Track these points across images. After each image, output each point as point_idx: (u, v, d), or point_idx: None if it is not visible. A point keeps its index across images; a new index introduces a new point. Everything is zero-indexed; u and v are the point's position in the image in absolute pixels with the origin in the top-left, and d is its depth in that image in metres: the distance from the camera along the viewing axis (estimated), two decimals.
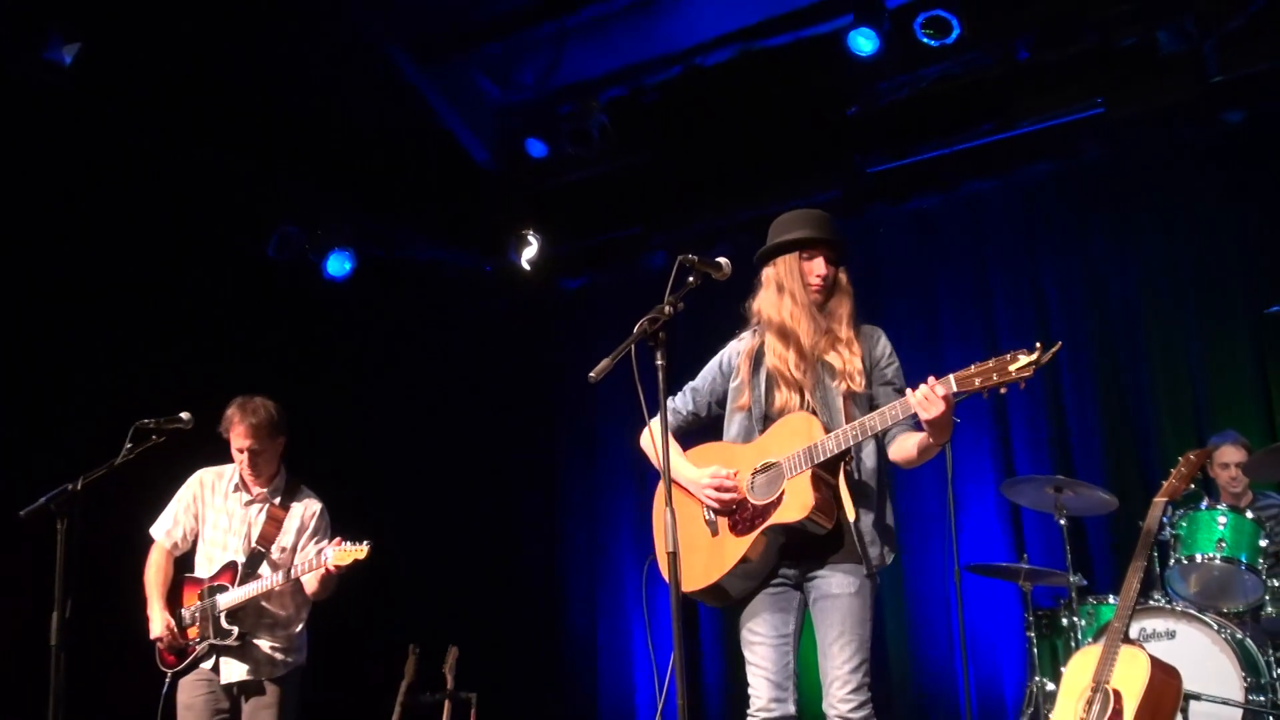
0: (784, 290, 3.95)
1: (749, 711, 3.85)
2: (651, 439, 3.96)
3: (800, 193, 8.09)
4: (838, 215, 8.09)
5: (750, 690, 3.85)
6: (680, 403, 4.13)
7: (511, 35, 7.87)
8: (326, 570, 4.89)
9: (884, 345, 4.01)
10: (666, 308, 3.66)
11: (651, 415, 3.86)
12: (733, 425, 4.03)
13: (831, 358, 3.89)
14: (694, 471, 3.89)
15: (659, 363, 3.70)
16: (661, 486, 3.98)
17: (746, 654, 3.89)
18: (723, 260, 3.84)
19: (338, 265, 8.17)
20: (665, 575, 3.90)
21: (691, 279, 3.75)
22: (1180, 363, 7.55)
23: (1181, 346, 7.56)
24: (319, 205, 8.03)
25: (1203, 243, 7.55)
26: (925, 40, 7.06)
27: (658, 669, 7.65)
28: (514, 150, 8.31)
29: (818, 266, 3.94)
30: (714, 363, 4.13)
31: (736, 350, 4.10)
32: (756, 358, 4.00)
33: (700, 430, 4.08)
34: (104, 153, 6.84)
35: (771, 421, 3.91)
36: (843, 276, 4.02)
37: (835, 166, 8.18)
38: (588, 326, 8.93)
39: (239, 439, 5.09)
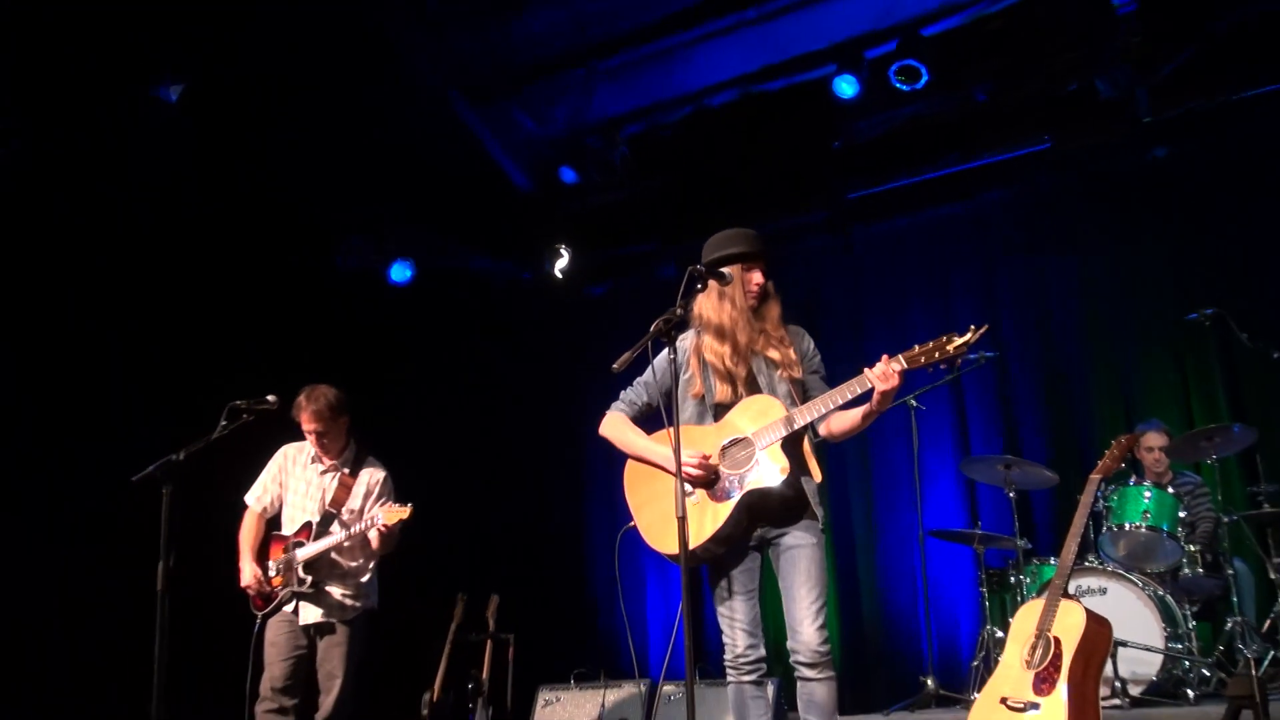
0: (725, 296, 3.93)
1: (727, 659, 3.85)
2: (616, 427, 4.14)
3: (792, 214, 8.17)
4: (822, 234, 8.29)
5: (726, 640, 3.85)
6: (634, 395, 4.10)
7: (547, 79, 7.92)
8: (379, 528, 4.98)
9: (809, 342, 4.03)
10: (678, 310, 3.74)
11: (642, 408, 4.02)
12: (685, 410, 3.99)
13: (770, 352, 3.90)
14: (665, 449, 3.76)
15: (671, 356, 3.79)
16: (633, 465, 4.08)
17: (721, 609, 3.88)
18: (726, 270, 3.91)
19: (400, 272, 8.23)
20: (649, 543, 3.98)
21: (698, 286, 3.82)
22: (1113, 361, 7.57)
23: (1114, 347, 7.58)
24: (385, 221, 8.10)
25: (1134, 259, 7.55)
26: (898, 85, 7.08)
27: (647, 620, 7.69)
28: (549, 177, 8.37)
29: (756, 276, 3.94)
30: (660, 359, 4.01)
31: (684, 348, 4.05)
32: (699, 355, 4.00)
33: (652, 416, 4.05)
34: (208, 176, 6.91)
35: (717, 408, 3.93)
36: (770, 285, 3.99)
37: (821, 192, 8.17)
38: (609, 326, 8.94)
39: (306, 423, 5.19)
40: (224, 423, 4.89)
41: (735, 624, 3.86)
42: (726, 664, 3.87)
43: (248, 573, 5.20)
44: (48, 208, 6.48)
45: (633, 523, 4.08)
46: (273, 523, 5.39)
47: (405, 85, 7.55)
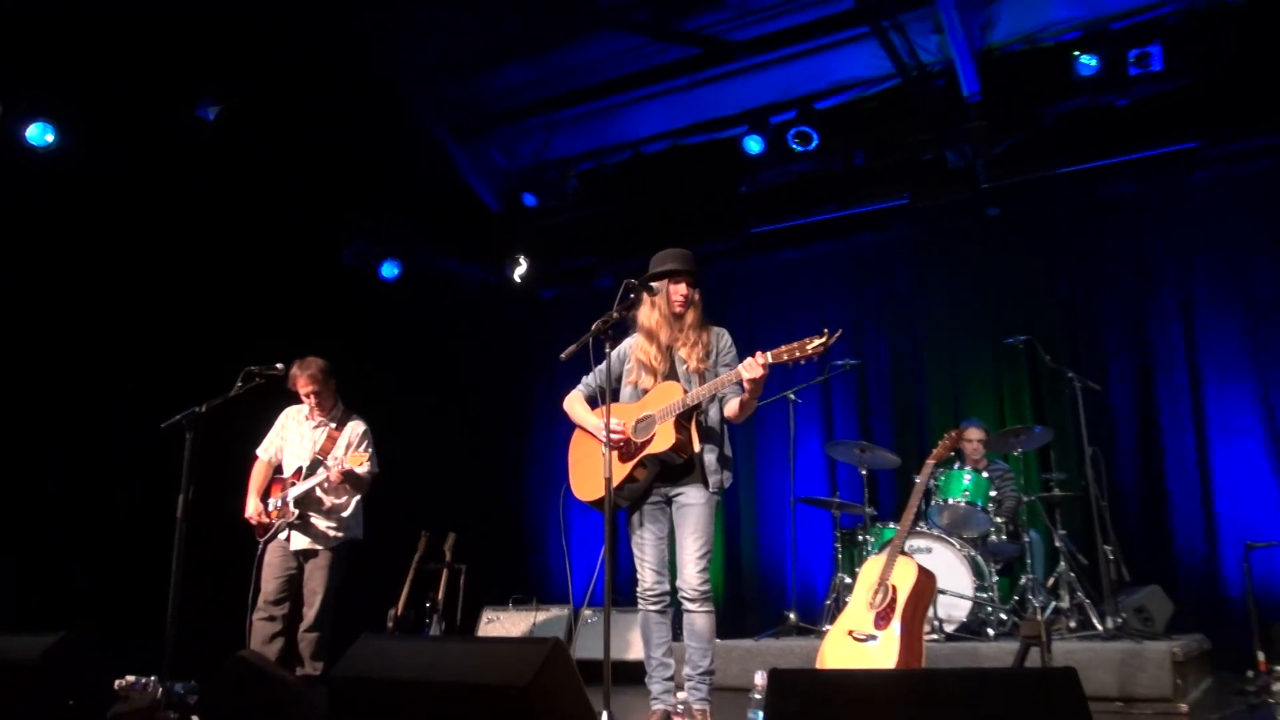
0: (655, 306, 3.95)
1: (638, 591, 3.87)
2: (575, 406, 4.12)
3: (706, 243, 8.16)
4: (730, 260, 8.32)
5: (639, 576, 3.88)
6: (591, 379, 4.11)
7: (516, 123, 7.89)
8: (352, 471, 4.94)
9: (727, 341, 4.03)
10: (614, 314, 3.76)
11: (596, 389, 3.98)
12: (624, 394, 4.03)
13: (683, 351, 3.92)
14: (597, 420, 3.87)
15: (606, 349, 3.80)
16: (579, 434, 4.09)
17: (636, 551, 3.90)
18: (655, 284, 3.92)
19: (389, 270, 8.13)
20: (575, 493, 4.01)
21: (631, 295, 3.83)
22: (946, 372, 7.63)
23: (948, 361, 7.63)
24: (380, 229, 8.01)
25: (967, 294, 7.62)
26: (794, 146, 7.12)
27: (582, 558, 7.76)
28: (513, 200, 8.30)
29: (681, 289, 3.95)
30: (617, 351, 4.06)
31: (629, 345, 4.09)
32: (635, 352, 4.03)
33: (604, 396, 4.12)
34: (237, 186, 6.78)
35: (644, 393, 3.95)
36: (696, 295, 3.99)
37: (730, 227, 8.17)
38: (557, 323, 8.91)
39: (303, 386, 5.17)
40: (240, 384, 4.85)
41: (645, 563, 3.87)
42: (637, 595, 3.88)
43: (250, 506, 5.18)
44: (115, 203, 6.34)
45: (569, 482, 4.07)
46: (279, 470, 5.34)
47: (404, 120, 7.48)
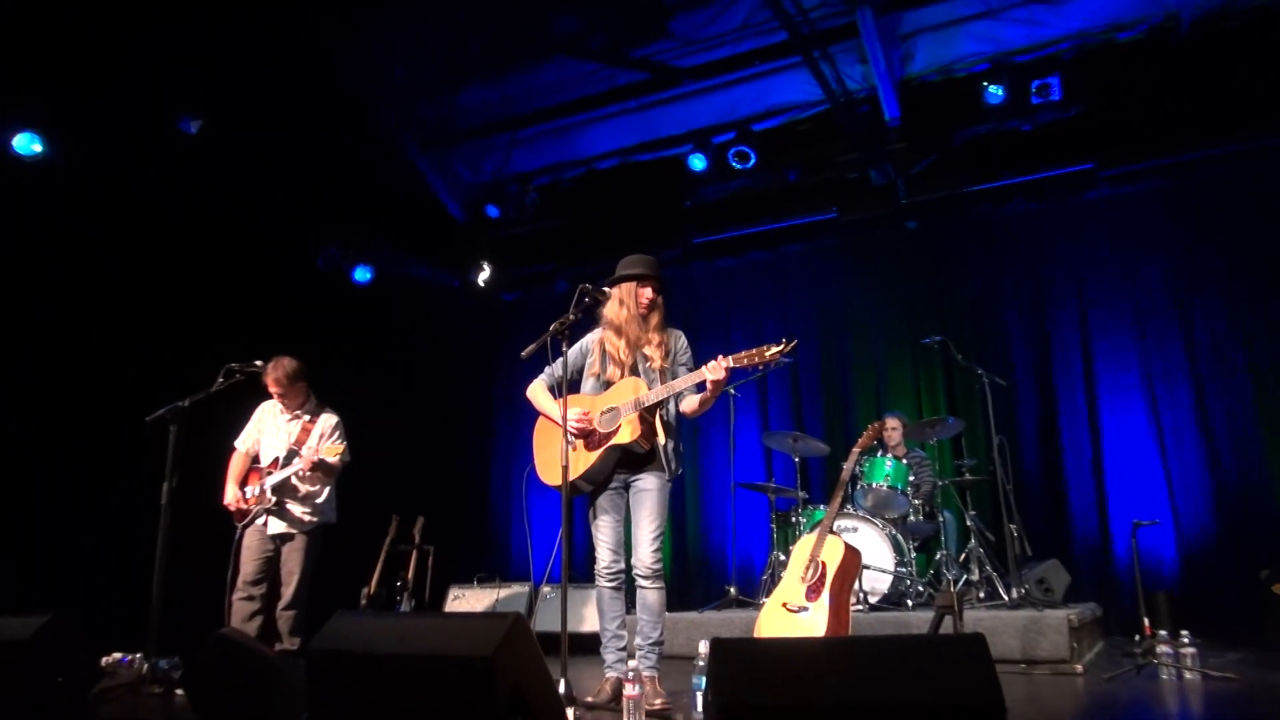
0: (624, 304, 3.94)
1: (597, 569, 3.86)
2: (538, 394, 4.06)
3: (653, 251, 8.12)
4: (674, 267, 8.35)
5: (597, 555, 3.87)
6: (554, 370, 4.04)
7: (480, 140, 7.83)
8: (323, 460, 4.87)
9: (683, 342, 4.02)
10: (570, 315, 3.75)
11: (558, 380, 3.94)
12: (586, 385, 4.01)
13: (648, 350, 3.91)
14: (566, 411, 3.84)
15: (564, 348, 3.78)
16: (543, 421, 4.07)
17: (595, 533, 3.88)
18: (607, 289, 3.92)
19: (362, 274, 8.02)
20: (540, 477, 3.98)
21: (586, 299, 3.82)
22: (870, 368, 7.70)
23: (872, 359, 7.71)
24: (354, 237, 7.90)
25: (889, 298, 7.69)
26: (734, 164, 7.16)
27: (542, 539, 7.70)
28: (478, 211, 8.23)
29: (648, 292, 3.94)
30: (576, 348, 4.05)
31: (591, 340, 4.06)
32: (601, 345, 4.01)
33: (569, 385, 4.08)
34: (217, 196, 6.65)
35: (607, 384, 3.93)
36: (659, 299, 3.99)
37: (675, 236, 8.19)
38: (517, 324, 8.87)
39: (271, 385, 5.08)
40: (221, 380, 4.79)
41: (603, 543, 3.86)
42: (595, 573, 3.87)
43: (229, 494, 5.08)
44: (102, 210, 6.19)
45: (532, 464, 4.04)
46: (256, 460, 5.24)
47: (375, 136, 7.39)
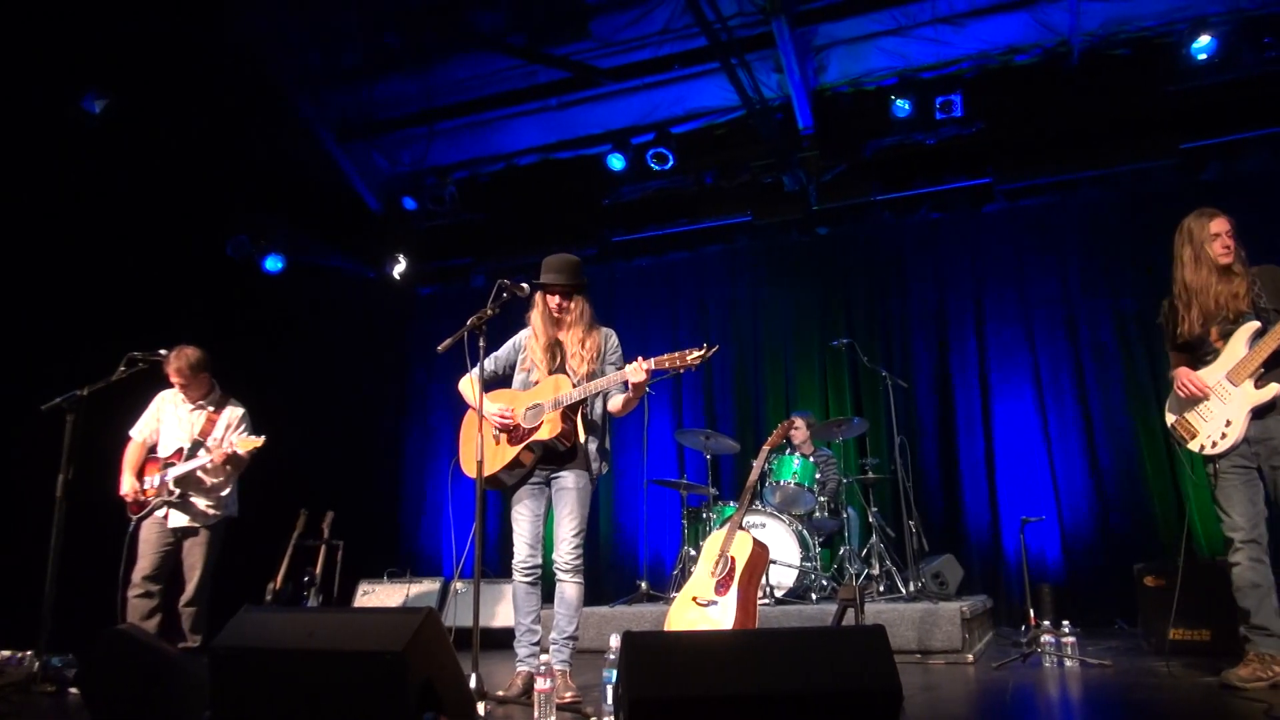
0: (537, 309, 3.95)
1: (514, 563, 3.84)
2: (470, 387, 4.00)
3: (571, 249, 8.11)
4: (592, 265, 8.34)
5: (515, 550, 3.84)
6: (487, 364, 4.04)
7: (399, 131, 7.69)
8: (235, 453, 4.73)
9: (614, 342, 4.03)
10: (488, 310, 3.72)
11: (487, 376, 3.91)
12: (516, 380, 4.00)
13: (572, 350, 3.91)
14: (491, 406, 3.84)
15: (481, 343, 3.75)
16: (471, 414, 4.03)
17: (514, 526, 3.87)
18: (525, 284, 3.90)
19: (273, 263, 7.77)
20: (462, 469, 3.94)
21: (504, 295, 3.79)
22: (780, 369, 7.80)
23: (781, 359, 7.81)
24: (265, 225, 7.65)
25: (799, 301, 7.81)
26: (652, 165, 7.21)
27: (457, 533, 7.62)
28: (394, 203, 8.11)
29: (554, 299, 3.91)
30: (510, 343, 4.07)
31: (522, 338, 4.06)
32: (529, 345, 4.01)
33: (498, 381, 4.05)
34: (123, 177, 6.35)
35: (533, 383, 3.93)
36: (574, 304, 3.94)
37: (593, 235, 8.20)
38: (432, 318, 8.76)
39: (172, 375, 4.91)
40: (122, 368, 4.61)
41: (521, 538, 3.85)
42: (513, 567, 3.85)
43: (126, 484, 4.87)
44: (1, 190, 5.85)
45: (457, 457, 3.99)
46: (154, 451, 5.03)
47: (290, 122, 7.19)
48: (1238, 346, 3.63)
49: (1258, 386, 3.58)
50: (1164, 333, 3.92)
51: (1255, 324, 3.61)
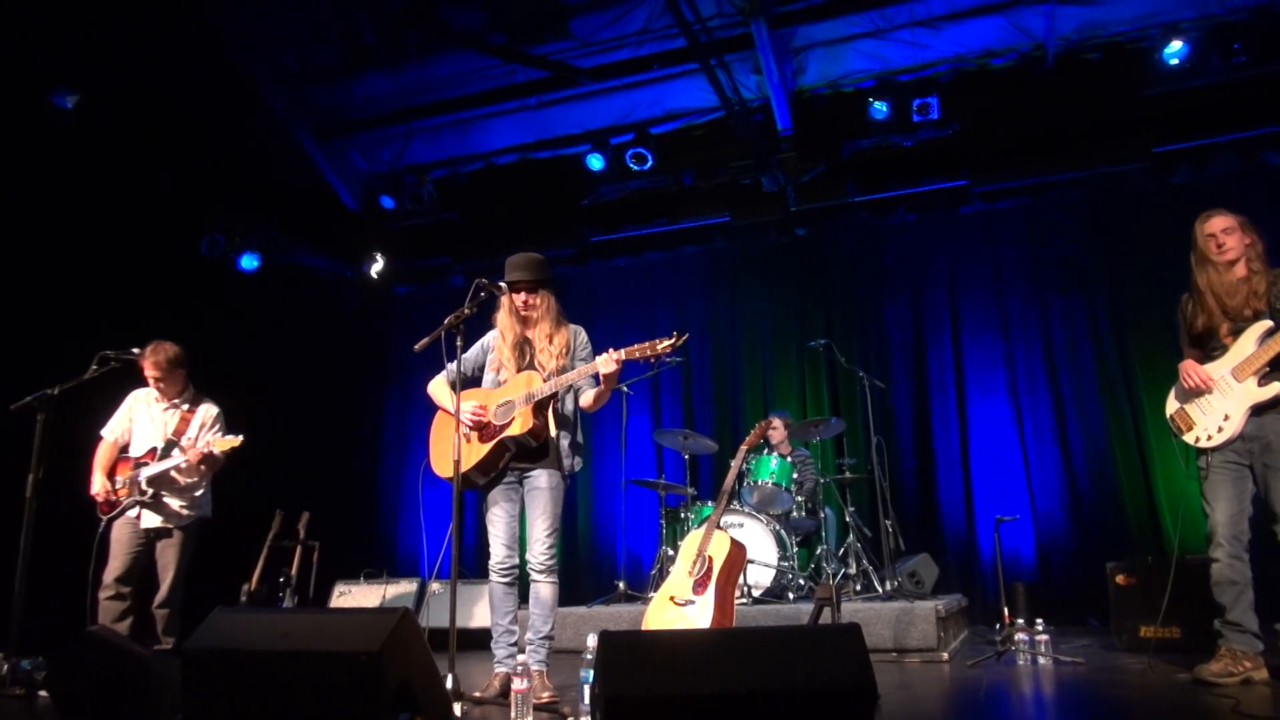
0: (504, 308, 3.94)
1: (490, 564, 3.82)
2: (439, 389, 4.02)
3: (550, 248, 8.13)
4: (571, 265, 8.34)
5: (491, 550, 3.83)
6: (456, 365, 4.06)
7: (377, 130, 7.65)
8: (210, 453, 4.68)
9: (584, 338, 4.02)
10: (465, 310, 3.70)
11: (450, 375, 3.88)
12: (486, 380, 3.99)
13: (540, 346, 3.90)
14: (464, 405, 3.81)
15: (458, 342, 3.74)
16: (441, 415, 4.01)
17: (489, 527, 3.85)
18: (502, 283, 3.89)
19: (249, 262, 7.70)
20: (433, 469, 3.92)
21: (482, 294, 3.78)
22: (758, 369, 7.81)
23: (759, 360, 7.82)
24: (241, 223, 7.58)
25: (777, 301, 7.82)
26: (631, 165, 7.20)
27: (433, 534, 7.57)
28: (372, 202, 8.04)
29: (519, 298, 3.90)
30: (478, 345, 4.05)
31: (490, 339, 4.05)
32: (497, 344, 4.00)
33: (467, 383, 4.02)
34: (96, 174, 6.27)
35: (503, 381, 3.91)
36: (540, 299, 3.92)
37: (571, 234, 8.17)
38: (409, 317, 8.70)
39: (149, 370, 4.84)
40: (95, 367, 4.55)
41: (497, 538, 3.83)
42: (489, 568, 3.84)
43: (97, 483, 4.80)
44: None
45: (429, 458, 3.97)
46: (125, 450, 4.97)
47: (267, 120, 7.13)
48: (1246, 344, 3.67)
49: (1261, 384, 3.62)
50: (1179, 326, 3.95)
51: (1267, 323, 3.65)
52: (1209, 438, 3.70)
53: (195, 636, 2.85)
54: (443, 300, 7.71)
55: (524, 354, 3.92)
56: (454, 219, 8.17)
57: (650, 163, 7.16)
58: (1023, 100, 6.70)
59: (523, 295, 3.90)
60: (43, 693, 3.89)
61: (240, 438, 4.71)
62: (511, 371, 3.90)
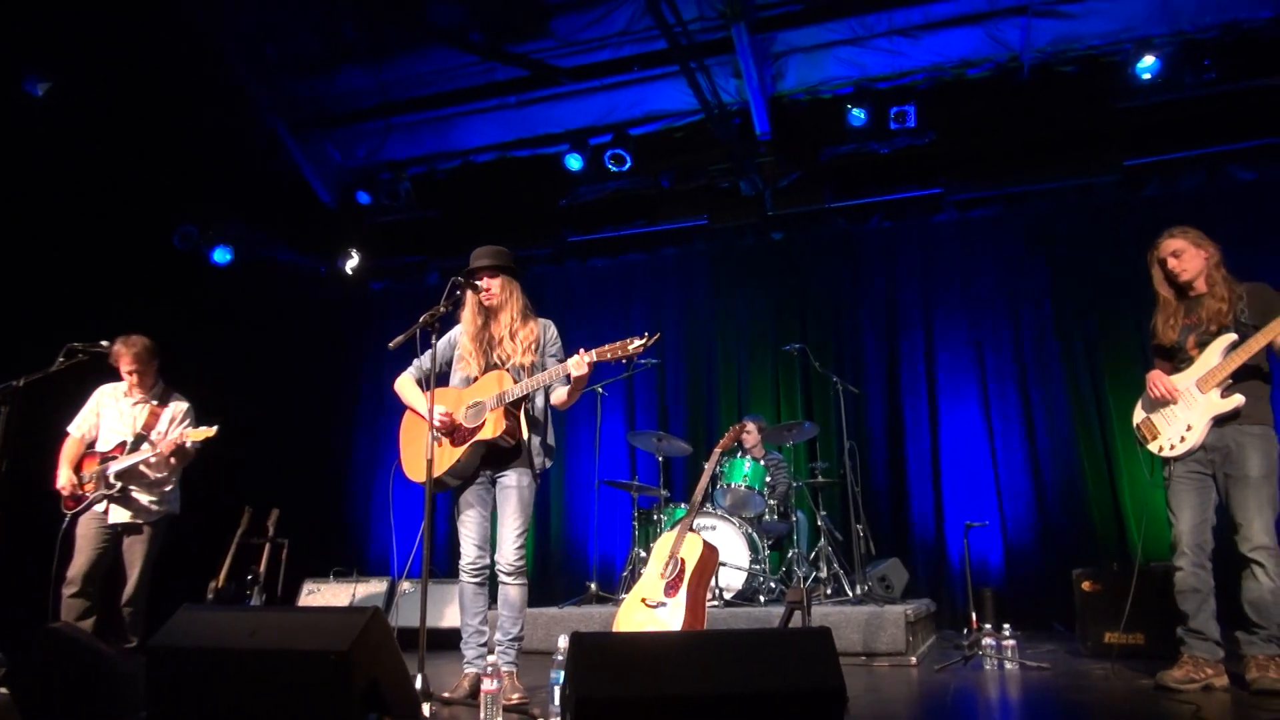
0: (469, 304, 3.91)
1: (461, 565, 3.79)
2: (406, 387, 3.97)
3: (528, 248, 8.14)
4: (548, 265, 8.32)
5: (462, 550, 3.80)
6: (422, 363, 3.96)
7: (354, 125, 7.60)
8: (184, 445, 4.62)
9: (553, 333, 3.99)
10: (441, 308, 3.67)
11: (426, 373, 3.85)
12: (454, 378, 3.95)
13: (508, 343, 3.86)
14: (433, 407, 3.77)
15: (434, 340, 3.71)
16: (409, 415, 3.98)
17: (460, 528, 3.82)
18: (479, 282, 3.86)
19: (221, 255, 7.62)
20: (405, 472, 3.89)
21: (458, 292, 3.76)
22: (733, 373, 7.84)
23: (734, 363, 7.85)
24: (214, 215, 7.50)
25: (753, 305, 7.87)
26: (610, 166, 7.20)
27: (403, 534, 7.53)
28: (348, 197, 8.00)
29: (481, 282, 3.87)
30: (444, 339, 3.98)
31: (455, 333, 4.02)
32: (460, 340, 3.97)
33: (442, 376, 3.98)
34: (66, 165, 6.17)
35: (472, 379, 3.87)
36: (500, 285, 3.87)
37: (549, 234, 8.17)
38: (384, 314, 8.66)
39: (125, 364, 4.78)
40: (62, 359, 4.48)
41: (468, 538, 3.80)
42: (460, 568, 3.81)
43: (62, 477, 4.72)
44: None
45: (399, 460, 3.93)
46: (92, 446, 4.89)
47: (242, 112, 7.06)
48: (1211, 356, 3.74)
49: (1223, 396, 3.69)
50: (1149, 337, 4.03)
51: (1232, 336, 3.72)
52: (1172, 447, 3.77)
53: (160, 634, 2.81)
54: (418, 298, 7.69)
55: (486, 347, 3.87)
56: (431, 216, 8.13)
57: (629, 164, 7.17)
58: (998, 111, 6.78)
59: (485, 281, 3.86)
60: (3, 690, 3.82)
61: (215, 428, 4.66)
62: (474, 366, 3.86)
